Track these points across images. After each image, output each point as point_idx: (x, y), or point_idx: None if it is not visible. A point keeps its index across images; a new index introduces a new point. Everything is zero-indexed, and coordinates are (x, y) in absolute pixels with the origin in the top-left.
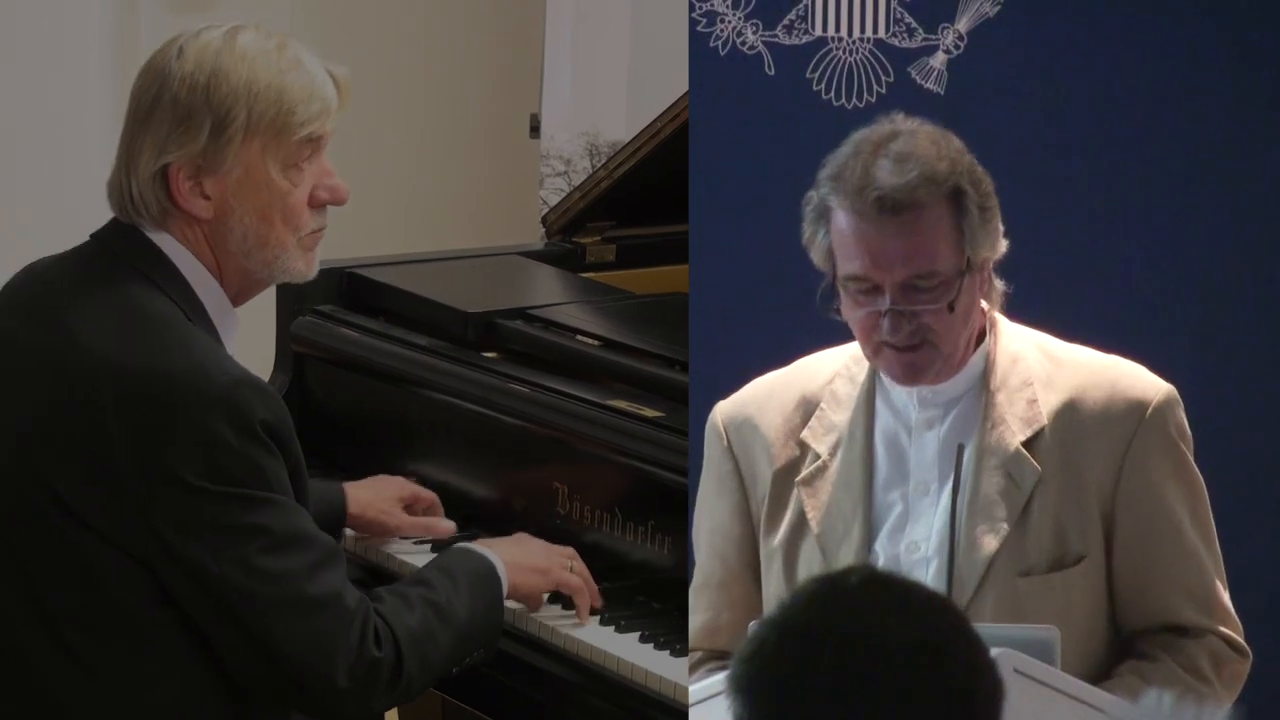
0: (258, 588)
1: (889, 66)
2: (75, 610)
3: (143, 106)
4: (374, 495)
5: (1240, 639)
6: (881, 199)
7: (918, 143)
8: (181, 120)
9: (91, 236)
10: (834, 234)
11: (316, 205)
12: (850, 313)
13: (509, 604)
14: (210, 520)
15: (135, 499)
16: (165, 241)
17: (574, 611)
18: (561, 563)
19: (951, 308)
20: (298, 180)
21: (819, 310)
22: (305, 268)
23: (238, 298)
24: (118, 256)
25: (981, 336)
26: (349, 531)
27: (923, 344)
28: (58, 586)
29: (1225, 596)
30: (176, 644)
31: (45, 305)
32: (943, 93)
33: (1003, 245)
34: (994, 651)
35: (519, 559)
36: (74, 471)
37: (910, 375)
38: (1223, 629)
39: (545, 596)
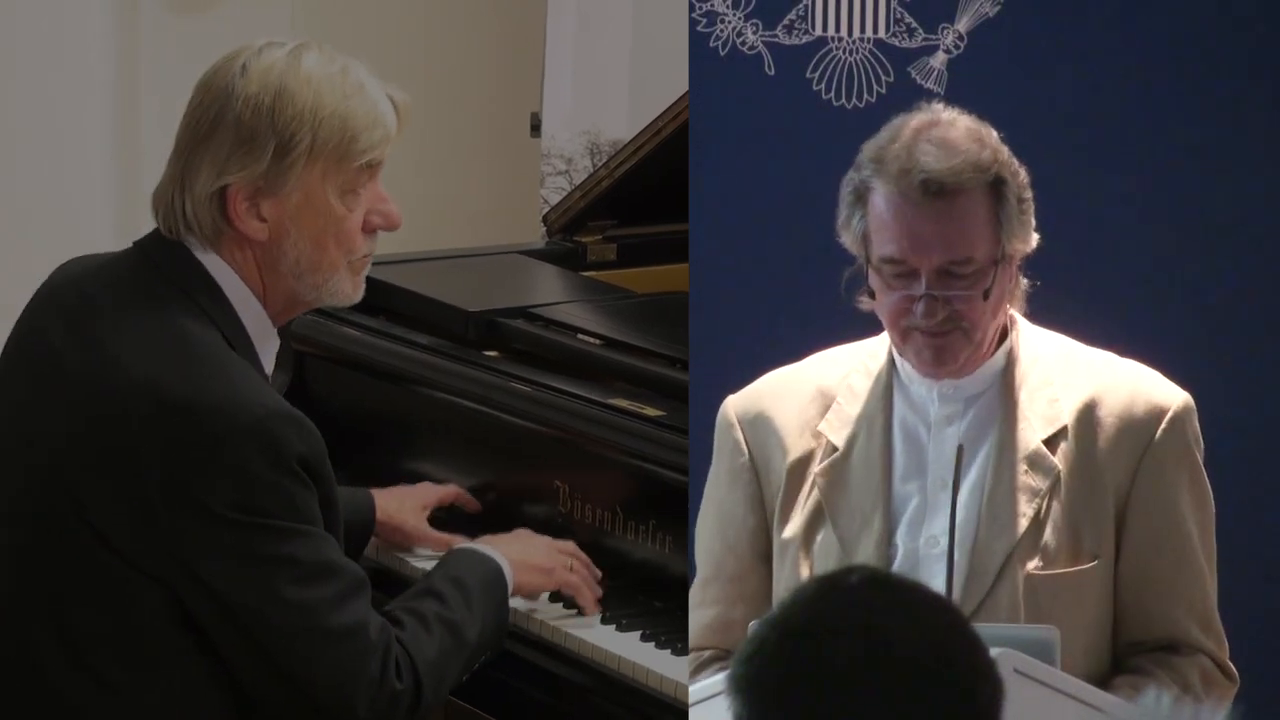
0: (283, 618)
1: (889, 66)
2: (97, 630)
3: (203, 124)
4: (399, 505)
5: (1229, 664)
6: (927, 182)
7: (959, 131)
8: (244, 142)
9: (135, 245)
10: (872, 216)
11: (369, 230)
12: (883, 296)
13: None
14: (239, 551)
15: (165, 525)
16: (212, 262)
17: (575, 610)
18: (564, 561)
19: (986, 295)
20: (354, 205)
21: (843, 297)
22: (353, 291)
23: (279, 317)
24: (162, 275)
25: (1003, 335)
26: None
27: (954, 330)
28: (81, 606)
29: (1218, 617)
30: (198, 668)
31: (87, 321)
32: (943, 93)
33: (1034, 239)
34: (994, 651)
35: (524, 557)
36: (106, 493)
37: (939, 361)
38: (1215, 651)
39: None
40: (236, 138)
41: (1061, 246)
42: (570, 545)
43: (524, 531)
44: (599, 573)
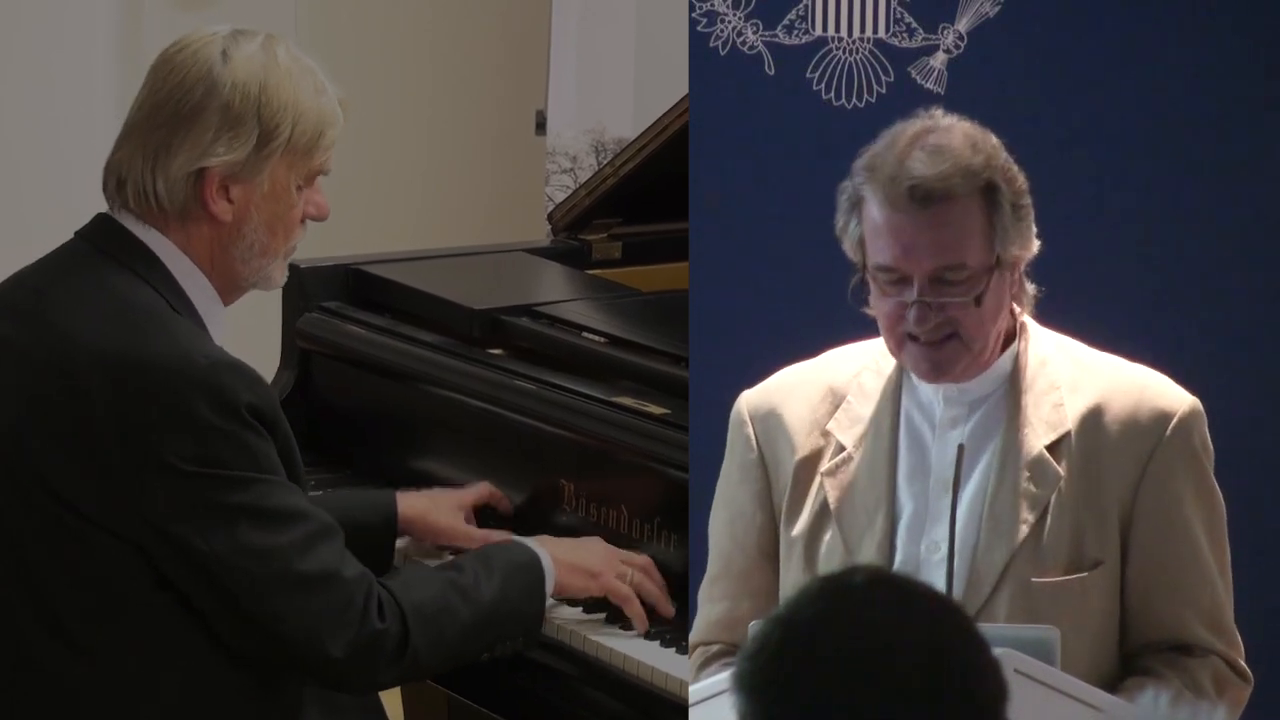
0: (250, 565)
1: (889, 66)
2: (73, 598)
3: (185, 106)
4: (430, 503)
5: (1243, 663)
6: (914, 189)
7: (953, 137)
8: (231, 127)
9: (75, 235)
10: (866, 224)
11: (302, 221)
12: (878, 303)
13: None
14: (198, 502)
15: (125, 484)
16: (152, 237)
17: (586, 614)
18: (620, 570)
19: (978, 302)
20: (301, 198)
21: (850, 303)
22: (281, 278)
23: (221, 297)
24: (99, 250)
25: (1010, 338)
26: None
27: (950, 338)
28: (56, 576)
29: (1231, 619)
30: (177, 626)
31: (32, 305)
32: (943, 93)
33: (1035, 246)
34: (994, 651)
35: (572, 559)
36: (64, 458)
37: (936, 371)
38: (1228, 651)
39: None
40: (222, 122)
41: (1063, 248)
42: (642, 559)
43: (592, 538)
44: (670, 609)
